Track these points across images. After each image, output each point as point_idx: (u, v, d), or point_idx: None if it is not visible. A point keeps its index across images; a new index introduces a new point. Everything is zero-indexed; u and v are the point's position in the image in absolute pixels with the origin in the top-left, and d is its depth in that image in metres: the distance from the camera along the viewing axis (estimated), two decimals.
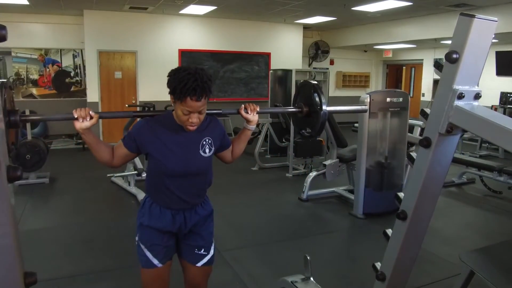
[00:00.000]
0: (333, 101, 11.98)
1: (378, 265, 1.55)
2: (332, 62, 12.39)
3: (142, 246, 1.95)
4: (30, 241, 3.84)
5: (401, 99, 4.50)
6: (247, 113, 1.93)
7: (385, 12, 8.29)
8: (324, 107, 1.93)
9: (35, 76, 9.44)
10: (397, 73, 13.77)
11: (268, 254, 3.66)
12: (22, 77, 9.34)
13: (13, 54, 9.18)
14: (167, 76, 1.76)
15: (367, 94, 4.42)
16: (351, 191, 5.11)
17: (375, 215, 4.56)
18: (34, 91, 9.47)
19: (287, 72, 7.52)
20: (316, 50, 11.77)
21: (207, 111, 1.89)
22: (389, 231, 1.47)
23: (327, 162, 5.20)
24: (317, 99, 1.97)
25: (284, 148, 7.45)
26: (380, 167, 4.64)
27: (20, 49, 9.21)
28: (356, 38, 10.80)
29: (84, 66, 9.51)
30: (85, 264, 3.36)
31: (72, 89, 9.75)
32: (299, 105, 2.07)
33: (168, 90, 1.78)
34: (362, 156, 4.53)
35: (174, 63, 9.64)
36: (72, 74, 9.72)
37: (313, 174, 5.32)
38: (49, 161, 6.18)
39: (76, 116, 1.68)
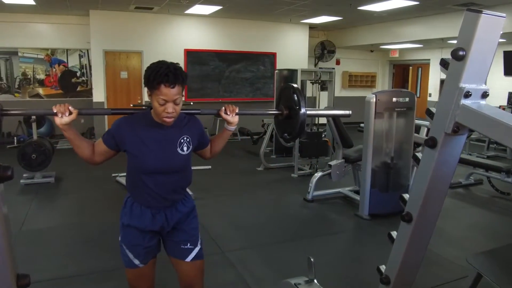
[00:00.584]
0: (339, 101, 11.88)
1: (382, 268, 1.51)
2: (338, 62, 12.33)
3: (124, 247, 1.97)
4: (34, 241, 3.85)
5: (407, 99, 4.45)
6: (227, 114, 1.94)
7: (392, 11, 8.24)
8: (302, 108, 1.91)
9: (41, 76, 9.49)
10: (404, 73, 13.69)
11: (271, 255, 3.63)
12: (29, 77, 9.39)
13: (19, 54, 9.24)
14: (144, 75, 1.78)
15: (373, 94, 4.38)
16: (357, 192, 5.06)
17: (381, 216, 4.52)
18: (40, 91, 9.51)
19: (292, 72, 7.48)
20: (322, 50, 11.72)
21: (186, 111, 1.92)
22: (394, 233, 1.44)
23: (333, 163, 5.16)
24: (296, 100, 1.95)
25: (289, 149, 7.41)
26: (386, 167, 4.60)
27: (26, 49, 9.27)
28: (363, 38, 10.75)
29: (90, 66, 9.55)
30: (88, 264, 3.35)
31: (78, 89, 9.79)
32: (280, 107, 2.06)
33: None
34: (367, 156, 4.48)
35: (180, 63, 9.56)
36: (78, 74, 9.76)
37: (318, 174, 5.28)
38: (55, 160, 6.19)
39: (55, 111, 1.70)
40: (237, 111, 1.96)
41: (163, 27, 9.41)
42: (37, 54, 9.39)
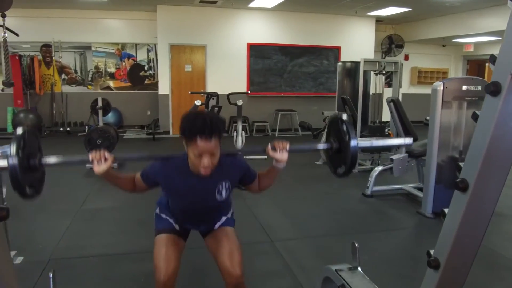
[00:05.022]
0: (407, 98, 11.36)
1: (433, 251, 1.32)
2: (406, 57, 11.74)
3: (162, 215, 2.03)
4: (91, 219, 4.01)
5: (479, 88, 4.06)
6: (275, 151, 1.76)
7: (466, 0, 7.66)
8: (353, 140, 1.71)
9: (112, 70, 9.97)
10: (479, 70, 12.74)
11: (322, 247, 3.46)
12: (101, 70, 9.90)
13: (93, 48, 9.77)
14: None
15: (441, 81, 4.05)
16: (421, 189, 4.73)
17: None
18: (111, 83, 9.99)
19: (355, 64, 7.22)
20: (390, 44, 11.22)
21: (226, 152, 1.83)
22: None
23: (395, 157, 4.86)
24: (345, 131, 1.77)
25: None
26: (453, 162, 4.23)
27: (99, 43, 9.77)
28: (433, 31, 10.12)
29: (157, 60, 9.86)
30: (138, 243, 3.40)
31: (146, 82, 10.16)
32: (329, 141, 1.88)
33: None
34: (433, 149, 4.16)
35: (243, 57, 9.69)
36: (146, 67, 10.12)
37: (378, 168, 5.01)
38: (121, 148, 6.48)
39: (91, 159, 1.64)
40: (287, 147, 1.77)
41: (227, 21, 9.49)
42: (109, 49, 9.87)
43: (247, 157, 5.85)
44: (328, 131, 1.96)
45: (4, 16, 2.89)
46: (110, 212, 4.27)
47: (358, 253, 1.96)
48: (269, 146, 1.76)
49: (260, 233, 3.69)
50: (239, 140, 5.50)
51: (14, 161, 1.43)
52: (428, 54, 11.98)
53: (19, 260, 3.02)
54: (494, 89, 0.97)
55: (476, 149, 1.06)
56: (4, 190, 4.37)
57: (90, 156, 1.64)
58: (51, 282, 1.59)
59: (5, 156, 1.45)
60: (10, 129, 9.17)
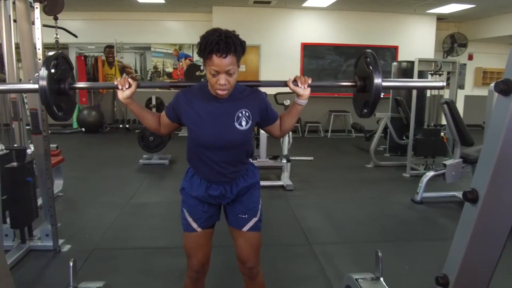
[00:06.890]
0: (470, 100, 10.77)
1: None
2: (470, 57, 11.09)
3: (184, 210, 1.97)
4: (137, 213, 4.18)
5: None
6: (297, 85, 1.75)
7: None
8: (376, 78, 1.62)
9: (169, 69, 10.29)
10: None
11: (362, 254, 3.35)
12: (159, 70, 10.26)
13: (152, 49, 10.15)
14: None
15: (498, 81, 3.78)
16: None
17: None
18: None
19: (411, 64, 6.95)
20: (452, 43, 10.65)
21: (245, 83, 1.84)
22: None
23: (448, 162, 4.61)
24: (370, 68, 1.67)
25: (404, 147, 6.86)
26: None
27: (158, 44, 10.14)
28: (500, 29, 9.47)
29: None
30: (178, 239, 3.42)
31: (202, 81, 10.38)
32: (354, 79, 1.81)
33: None
34: None
35: (297, 57, 9.64)
36: (201, 67, 10.33)
37: (430, 173, 4.79)
38: (173, 145, 6.69)
39: (116, 84, 1.73)
40: (309, 82, 1.76)
41: (281, 21, 9.48)
42: (167, 49, 10.21)
43: (294, 158, 5.82)
44: (354, 67, 1.90)
45: (56, 18, 3.11)
46: (156, 207, 4.42)
47: (381, 263, 1.87)
48: (290, 79, 1.77)
49: (299, 235, 3.65)
50: (286, 140, 5.47)
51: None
52: (495, 54, 11.20)
53: (66, 248, 3.22)
54: (504, 87, 0.88)
55: (486, 156, 0.97)
56: (61, 181, 4.68)
57: (115, 82, 1.74)
58: (71, 271, 1.67)
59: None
60: (75, 125, 9.77)
